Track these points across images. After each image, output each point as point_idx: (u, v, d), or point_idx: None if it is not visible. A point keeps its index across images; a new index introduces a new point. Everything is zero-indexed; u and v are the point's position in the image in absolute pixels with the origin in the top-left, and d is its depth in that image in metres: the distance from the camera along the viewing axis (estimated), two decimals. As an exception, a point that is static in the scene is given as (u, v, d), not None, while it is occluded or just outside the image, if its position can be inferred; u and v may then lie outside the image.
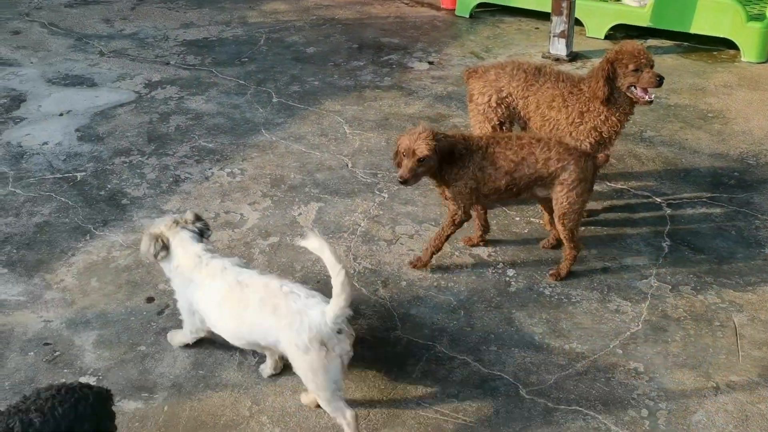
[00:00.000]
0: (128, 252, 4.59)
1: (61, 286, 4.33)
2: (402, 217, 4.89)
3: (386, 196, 5.11)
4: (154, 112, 6.29)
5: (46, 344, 3.93)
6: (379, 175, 5.34)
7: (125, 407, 3.56)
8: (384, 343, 3.92)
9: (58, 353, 3.88)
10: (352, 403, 3.53)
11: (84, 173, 5.42)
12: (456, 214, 4.22)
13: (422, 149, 3.93)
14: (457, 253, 4.57)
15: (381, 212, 4.94)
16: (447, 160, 4.05)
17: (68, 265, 4.49)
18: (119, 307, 4.17)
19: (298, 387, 3.64)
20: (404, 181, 4.02)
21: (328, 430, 3.43)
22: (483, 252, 4.57)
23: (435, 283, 4.34)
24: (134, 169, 5.47)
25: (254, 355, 3.83)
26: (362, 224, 4.84)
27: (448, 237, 4.33)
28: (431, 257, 4.39)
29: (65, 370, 3.77)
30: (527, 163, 4.07)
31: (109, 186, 5.27)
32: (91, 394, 2.79)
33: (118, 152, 5.68)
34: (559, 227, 4.24)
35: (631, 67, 4.30)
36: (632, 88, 4.36)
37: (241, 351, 3.84)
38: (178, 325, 4.01)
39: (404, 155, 4.01)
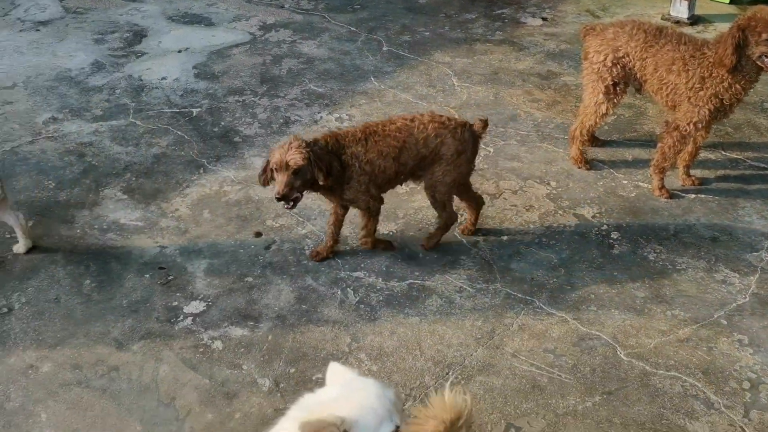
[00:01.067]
0: (239, 187, 4.76)
1: (175, 215, 4.53)
2: (506, 173, 4.88)
3: (492, 150, 5.10)
4: (268, 54, 6.42)
5: (161, 268, 4.14)
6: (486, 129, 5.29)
7: (232, 333, 3.74)
8: (483, 293, 3.96)
9: (171, 277, 4.08)
10: (447, 348, 3.60)
11: (199, 109, 5.61)
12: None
13: (296, 159, 3.65)
14: (560, 212, 4.54)
15: (486, 166, 4.93)
16: (331, 170, 3.79)
17: (183, 196, 4.69)
18: (229, 239, 4.34)
19: (396, 329, 3.74)
20: (282, 198, 3.71)
21: (425, 372, 3.51)
22: (587, 212, 4.53)
23: (536, 240, 4.33)
24: (247, 108, 5.62)
25: (355, 294, 3.95)
26: (466, 176, 4.85)
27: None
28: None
29: (177, 294, 3.97)
30: (408, 145, 3.90)
31: (222, 123, 5.44)
32: None
33: (232, 91, 5.85)
34: (429, 198, 4.11)
35: (764, 36, 4.10)
36: (763, 57, 4.17)
37: (343, 290, 3.97)
38: (285, 260, 4.17)
39: (277, 170, 3.71)
